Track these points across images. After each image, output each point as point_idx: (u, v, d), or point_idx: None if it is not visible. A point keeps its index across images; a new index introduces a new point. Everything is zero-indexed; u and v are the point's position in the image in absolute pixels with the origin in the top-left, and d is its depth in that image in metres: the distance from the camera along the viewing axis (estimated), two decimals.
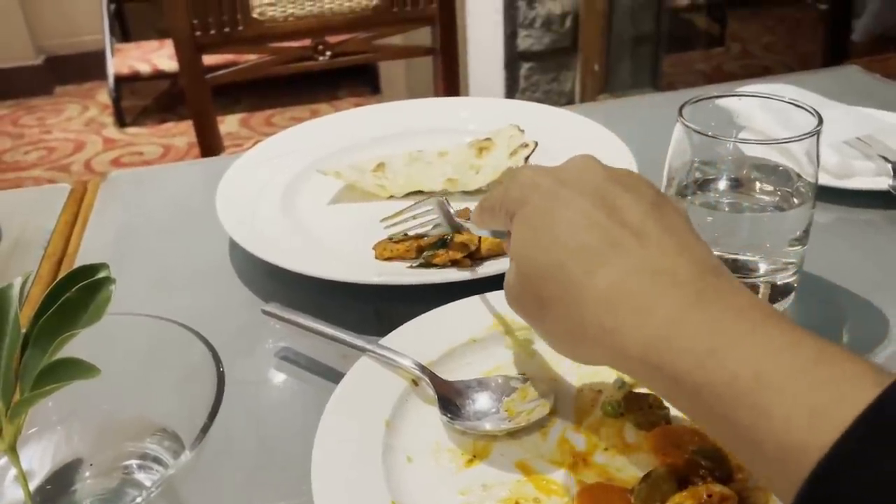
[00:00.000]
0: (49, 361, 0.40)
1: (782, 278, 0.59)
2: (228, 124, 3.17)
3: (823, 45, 1.95)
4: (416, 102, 0.96)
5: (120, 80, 3.21)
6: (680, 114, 0.57)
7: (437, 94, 1.60)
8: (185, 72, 1.48)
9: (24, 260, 0.73)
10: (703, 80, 3.35)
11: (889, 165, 0.74)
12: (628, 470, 0.45)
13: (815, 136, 0.54)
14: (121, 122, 3.26)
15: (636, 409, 0.48)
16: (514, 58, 2.15)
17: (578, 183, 0.39)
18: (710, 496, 0.40)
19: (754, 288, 0.59)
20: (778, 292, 0.59)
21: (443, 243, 0.64)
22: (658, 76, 2.26)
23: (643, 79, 2.26)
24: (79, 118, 3.35)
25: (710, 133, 0.56)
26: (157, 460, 0.44)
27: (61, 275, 0.71)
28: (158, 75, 3.25)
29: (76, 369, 0.39)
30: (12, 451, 0.41)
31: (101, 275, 0.44)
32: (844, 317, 0.60)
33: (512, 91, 2.19)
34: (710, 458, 0.43)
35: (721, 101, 0.61)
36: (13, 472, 0.43)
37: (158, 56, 3.27)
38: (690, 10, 3.61)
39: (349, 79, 3.49)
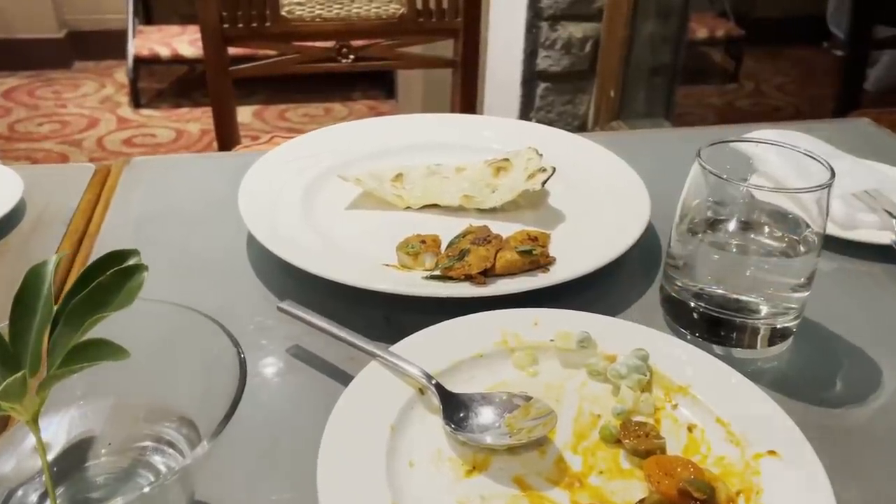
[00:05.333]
0: (79, 340, 0.42)
1: (782, 322, 0.61)
2: (242, 115, 3.18)
3: (836, 91, 1.97)
4: (440, 116, 0.98)
5: (139, 61, 3.23)
6: (698, 155, 0.59)
7: (453, 106, 1.62)
8: (210, 62, 1.50)
9: (46, 236, 0.75)
10: (714, 114, 3.37)
11: (893, 221, 0.76)
12: (622, 494, 0.47)
13: (827, 189, 0.56)
14: (136, 102, 3.28)
15: (633, 436, 0.50)
16: (531, 76, 2.17)
17: None
18: None
19: (754, 330, 0.61)
20: (777, 335, 0.61)
21: (461, 256, 0.65)
22: (672, 108, 2.28)
23: (657, 109, 2.28)
24: (95, 95, 3.37)
25: (725, 177, 0.58)
26: (171, 444, 0.45)
27: (81, 254, 0.73)
28: (177, 60, 3.28)
29: (106, 350, 0.40)
30: (34, 422, 0.42)
31: (132, 261, 0.45)
32: (839, 364, 0.62)
33: (527, 109, 2.21)
34: (702, 490, 0.45)
35: (739, 145, 0.63)
36: (31, 442, 0.44)
37: (179, 41, 3.29)
38: (708, 43, 3.64)
39: (365, 81, 3.51)
